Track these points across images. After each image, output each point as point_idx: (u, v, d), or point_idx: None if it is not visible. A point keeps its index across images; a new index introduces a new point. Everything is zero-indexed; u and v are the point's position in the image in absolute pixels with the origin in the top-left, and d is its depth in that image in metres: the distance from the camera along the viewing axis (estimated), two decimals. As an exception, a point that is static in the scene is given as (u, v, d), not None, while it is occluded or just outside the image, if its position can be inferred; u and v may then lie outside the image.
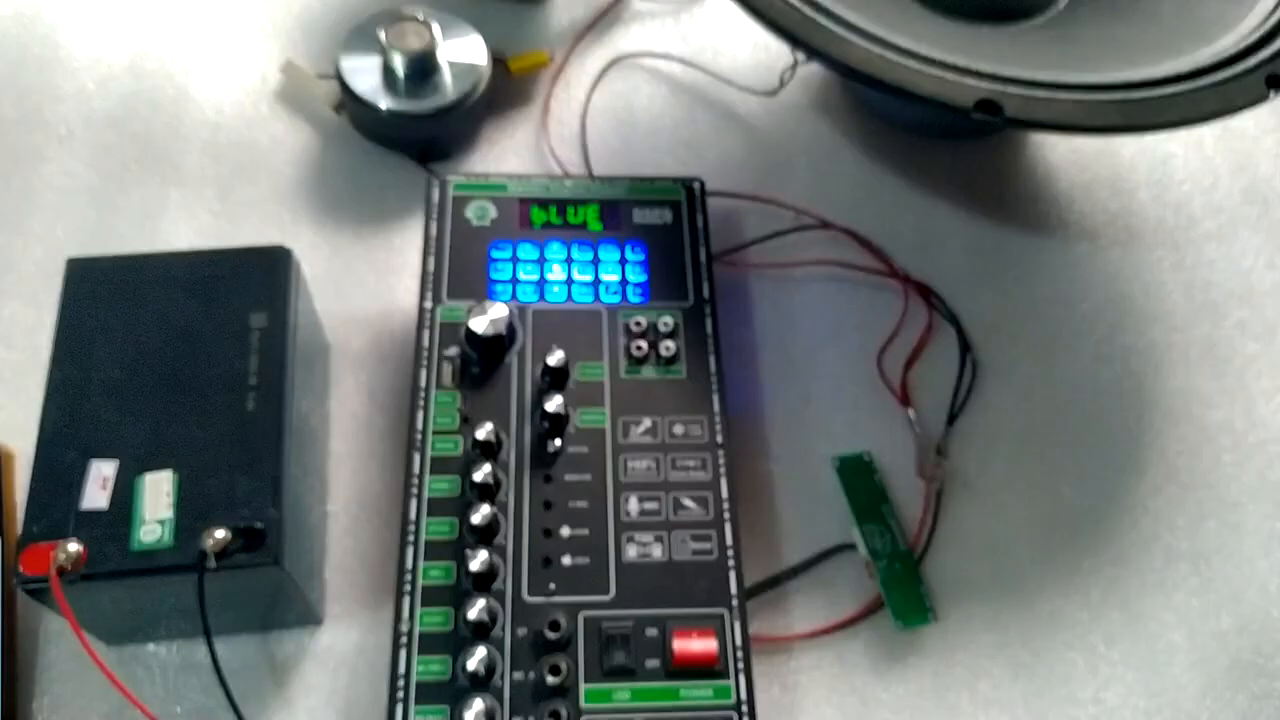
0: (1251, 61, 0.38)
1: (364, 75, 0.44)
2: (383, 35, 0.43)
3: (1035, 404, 0.42)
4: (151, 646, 0.35)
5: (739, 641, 0.32)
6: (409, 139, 0.46)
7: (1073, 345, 0.44)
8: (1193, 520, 0.40)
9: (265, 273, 0.34)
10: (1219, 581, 0.39)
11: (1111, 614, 0.38)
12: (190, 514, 0.30)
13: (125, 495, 0.30)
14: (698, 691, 0.31)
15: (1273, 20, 0.39)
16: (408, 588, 0.32)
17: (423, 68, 0.44)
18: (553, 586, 0.32)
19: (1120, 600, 0.38)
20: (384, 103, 0.44)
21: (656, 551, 0.33)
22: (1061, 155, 0.49)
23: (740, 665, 0.32)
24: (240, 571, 0.30)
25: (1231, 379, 0.43)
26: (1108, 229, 0.47)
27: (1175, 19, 0.41)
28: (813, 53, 0.36)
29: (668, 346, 0.37)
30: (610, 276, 0.38)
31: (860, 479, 0.39)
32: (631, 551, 0.33)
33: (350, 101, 0.45)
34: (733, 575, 0.33)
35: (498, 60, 0.47)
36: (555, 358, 0.35)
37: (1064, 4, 0.46)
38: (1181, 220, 0.48)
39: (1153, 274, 0.46)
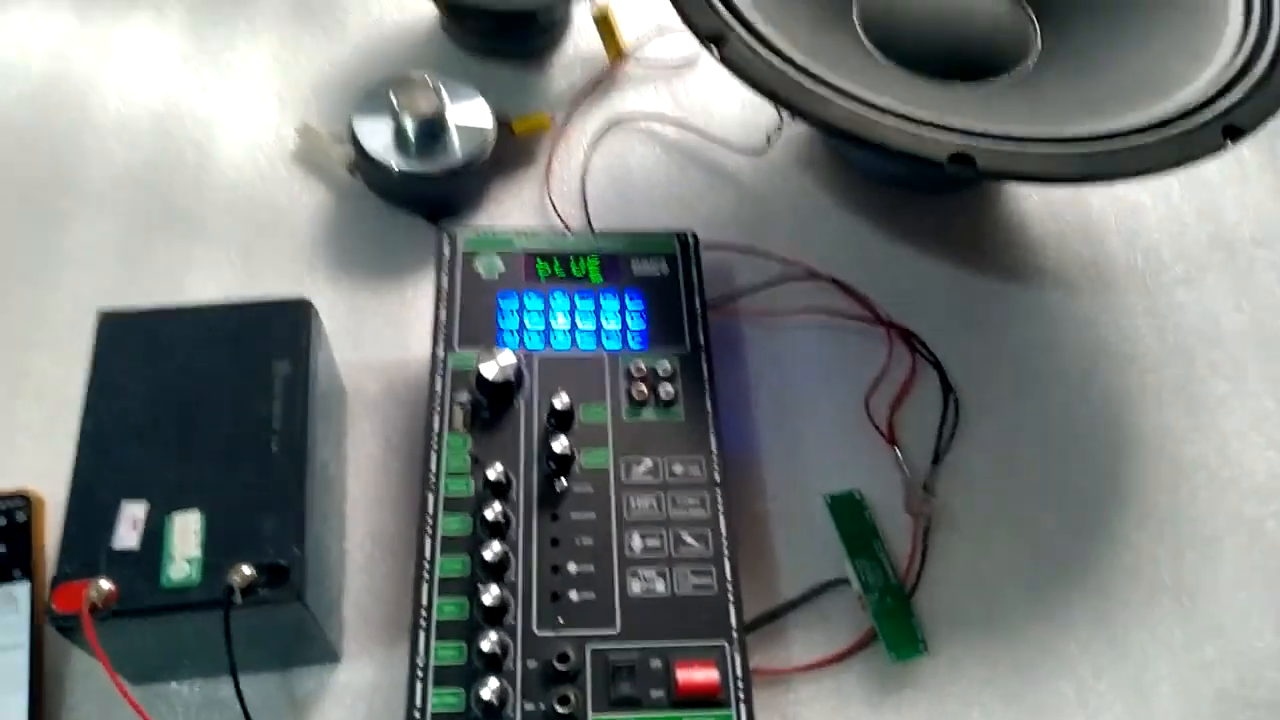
0: (1209, 114, 0.39)
1: (376, 137, 0.46)
2: (394, 99, 0.45)
3: (1017, 443, 0.43)
4: (174, 685, 0.35)
5: (739, 672, 0.33)
6: (420, 197, 0.47)
7: (1051, 386, 0.45)
8: (1173, 554, 0.41)
9: (288, 324, 0.36)
10: (1200, 613, 0.39)
11: (1098, 645, 0.39)
12: (217, 552, 0.31)
13: (155, 535, 0.31)
14: (701, 721, 0.32)
15: (1229, 73, 0.40)
16: (423, 622, 0.33)
17: (432, 130, 0.46)
18: (561, 620, 0.33)
19: (1106, 632, 0.39)
20: (396, 163, 0.46)
21: (659, 586, 0.34)
22: (1034, 206, 0.51)
23: (741, 695, 0.32)
24: (264, 607, 0.31)
25: (1204, 417, 0.45)
26: (1081, 275, 0.49)
27: (1138, 75, 0.43)
28: (797, 112, 0.38)
29: (667, 390, 0.38)
30: (611, 324, 0.40)
31: (851, 516, 0.40)
32: (635, 586, 0.34)
33: (364, 162, 0.46)
34: (732, 608, 0.34)
35: (502, 123, 0.49)
36: (561, 401, 0.37)
37: (1033, 63, 0.47)
38: (1152, 266, 0.49)
39: (1126, 318, 0.47)
